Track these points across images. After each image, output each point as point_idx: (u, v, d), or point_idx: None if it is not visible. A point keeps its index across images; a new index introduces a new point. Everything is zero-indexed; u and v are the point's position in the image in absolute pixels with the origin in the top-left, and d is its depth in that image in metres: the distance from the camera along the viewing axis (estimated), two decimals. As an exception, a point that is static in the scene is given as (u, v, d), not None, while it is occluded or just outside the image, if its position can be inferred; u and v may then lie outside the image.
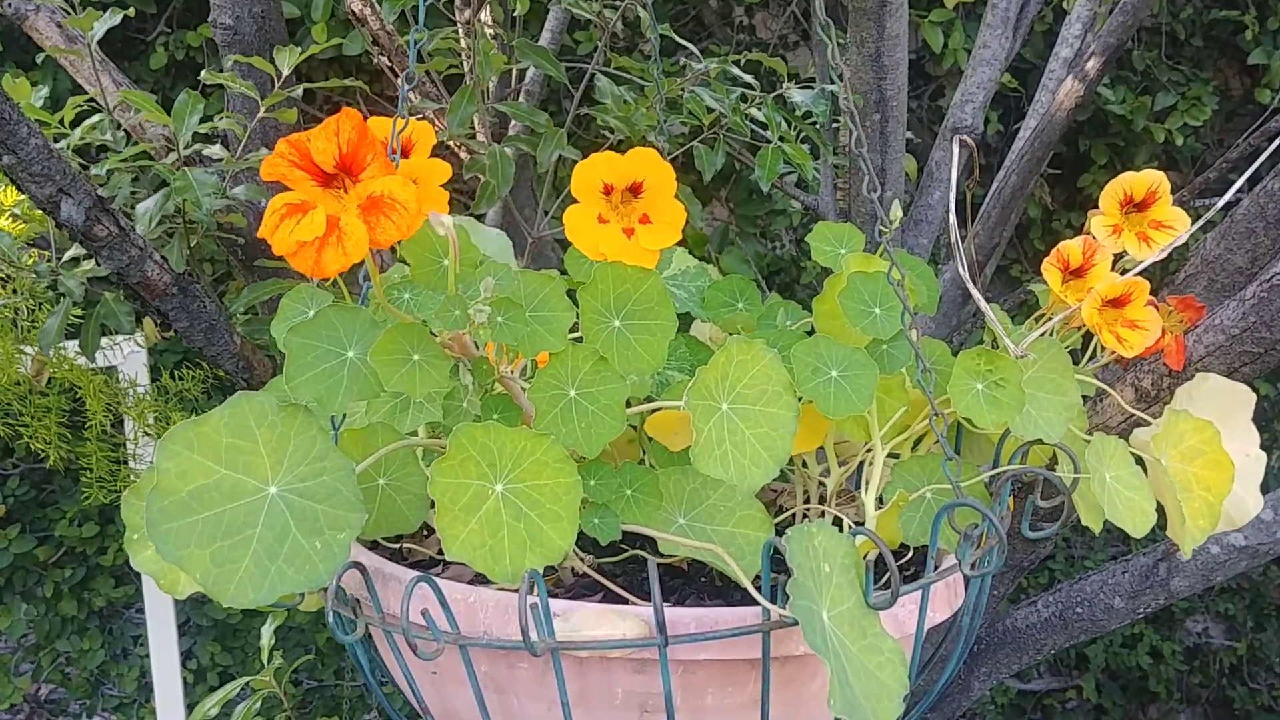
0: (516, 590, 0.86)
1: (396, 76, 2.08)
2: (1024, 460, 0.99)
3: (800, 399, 0.90)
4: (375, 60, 2.14)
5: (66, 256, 1.63)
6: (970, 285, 0.96)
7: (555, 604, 0.81)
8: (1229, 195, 1.04)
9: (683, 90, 1.54)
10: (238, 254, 1.88)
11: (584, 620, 0.81)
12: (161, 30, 3.00)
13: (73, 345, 1.77)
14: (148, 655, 3.34)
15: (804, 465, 1.10)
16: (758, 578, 0.82)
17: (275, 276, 1.68)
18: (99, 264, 1.41)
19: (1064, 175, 3.92)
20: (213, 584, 0.79)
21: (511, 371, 0.87)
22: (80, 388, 1.78)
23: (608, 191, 0.96)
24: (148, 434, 1.86)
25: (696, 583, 0.99)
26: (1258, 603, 4.50)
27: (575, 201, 0.96)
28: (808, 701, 0.87)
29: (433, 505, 1.04)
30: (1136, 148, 3.92)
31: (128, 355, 1.92)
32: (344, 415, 0.93)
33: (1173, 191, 1.12)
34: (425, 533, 1.06)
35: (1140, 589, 1.79)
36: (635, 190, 0.97)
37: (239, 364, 1.62)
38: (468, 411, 0.87)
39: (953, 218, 0.98)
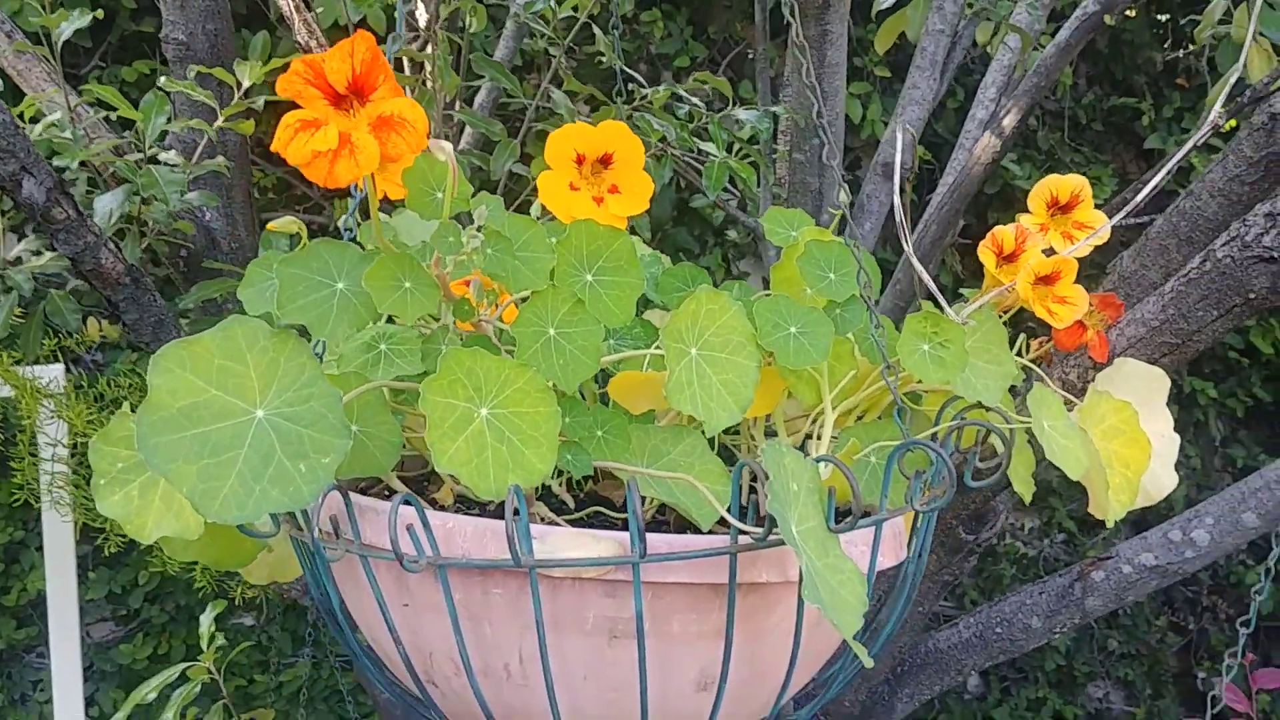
0: (492, 517, 0.90)
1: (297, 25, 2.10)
2: (959, 430, 1.06)
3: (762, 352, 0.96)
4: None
5: (13, 253, 1.63)
6: (913, 259, 1.03)
7: (533, 529, 0.85)
8: (1131, 207, 1.12)
9: (630, 115, 1.61)
10: (179, 265, 1.90)
11: (560, 543, 0.85)
12: (96, 64, 3.02)
13: None
14: (48, 701, 3.25)
15: (751, 439, 1.15)
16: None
17: (223, 278, 1.71)
18: (54, 248, 1.43)
19: (972, 246, 4.07)
20: (199, 499, 0.81)
21: (491, 316, 0.91)
22: (16, 388, 1.77)
23: (580, 161, 1.02)
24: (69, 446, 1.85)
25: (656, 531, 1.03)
26: (1155, 669, 4.62)
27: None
28: (769, 633, 0.91)
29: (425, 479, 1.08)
30: (1013, 204, 4.10)
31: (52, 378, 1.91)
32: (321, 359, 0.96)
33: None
34: (387, 492, 1.09)
35: (1057, 609, 1.86)
36: (605, 161, 1.03)
37: (185, 363, 1.63)
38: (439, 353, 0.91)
39: (896, 199, 1.05)
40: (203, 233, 1.88)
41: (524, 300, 0.89)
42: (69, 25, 1.59)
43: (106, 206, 1.50)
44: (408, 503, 0.83)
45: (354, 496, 0.92)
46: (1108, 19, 2.16)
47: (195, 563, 3.09)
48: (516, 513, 0.81)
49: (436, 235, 0.82)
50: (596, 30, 1.51)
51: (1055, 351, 1.28)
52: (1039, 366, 1.36)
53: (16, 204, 1.35)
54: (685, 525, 0.99)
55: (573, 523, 1.00)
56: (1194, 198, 1.35)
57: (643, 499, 1.03)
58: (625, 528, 1.03)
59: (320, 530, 0.85)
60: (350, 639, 1.00)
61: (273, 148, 0.73)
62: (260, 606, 3.43)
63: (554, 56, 1.59)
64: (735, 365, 0.93)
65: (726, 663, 0.88)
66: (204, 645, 1.78)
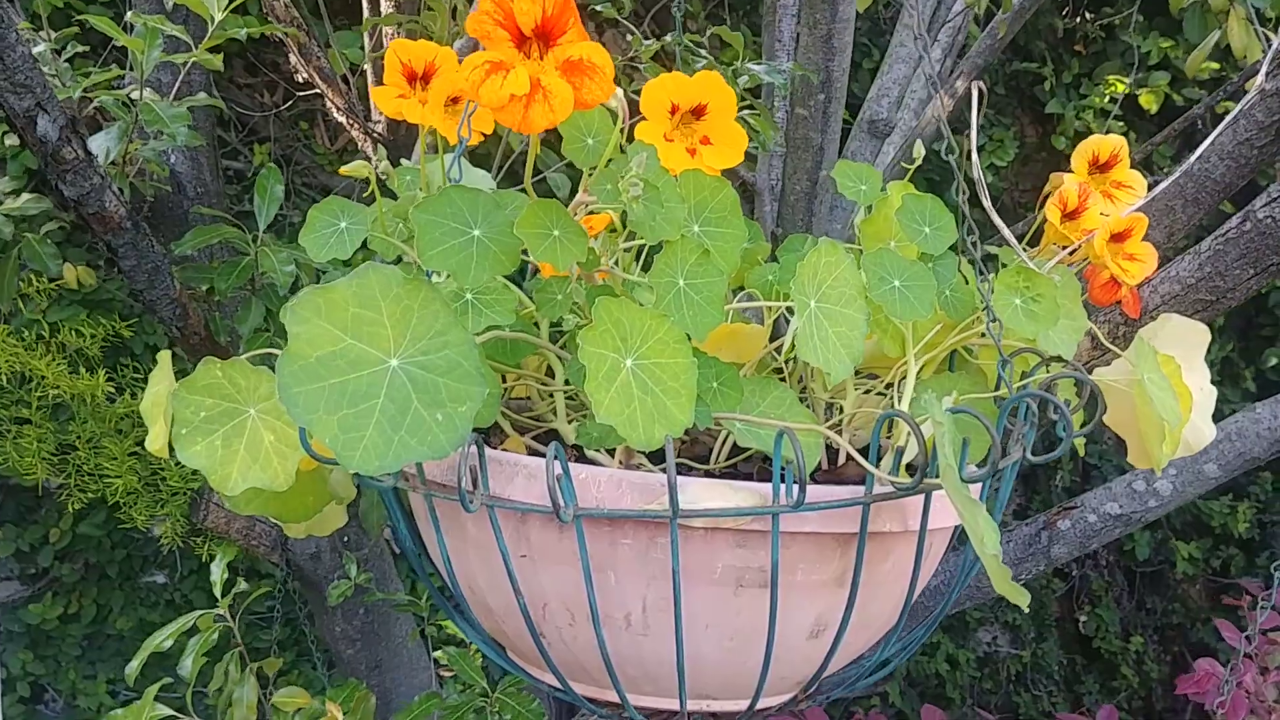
0: (625, 466, 0.90)
1: (290, 49, 2.07)
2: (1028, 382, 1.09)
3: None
4: (270, 33, 2.12)
5: (-11, 194, 1.55)
6: (993, 214, 1.06)
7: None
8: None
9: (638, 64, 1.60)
10: (142, 209, 1.82)
11: (699, 493, 0.85)
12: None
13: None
14: (-43, 662, 3.12)
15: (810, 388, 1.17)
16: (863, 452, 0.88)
17: (215, 223, 1.65)
18: (58, 189, 1.36)
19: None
20: (341, 449, 0.79)
21: (616, 264, 0.90)
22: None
23: (673, 111, 1.02)
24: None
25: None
26: (1040, 614, 4.83)
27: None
28: (880, 582, 0.93)
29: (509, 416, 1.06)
30: (948, 183, 4.19)
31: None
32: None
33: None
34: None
35: (1023, 556, 1.93)
36: (698, 112, 1.02)
37: (175, 310, 1.58)
38: (564, 303, 0.90)
39: (975, 156, 1.08)
40: (170, 177, 1.81)
41: (656, 249, 0.89)
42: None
43: (103, 145, 1.43)
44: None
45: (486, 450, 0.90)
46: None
47: (110, 523, 2.98)
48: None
49: (595, 182, 0.81)
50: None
51: (1088, 305, 1.33)
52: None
53: (25, 143, 1.28)
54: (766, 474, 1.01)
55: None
56: (1202, 160, 1.40)
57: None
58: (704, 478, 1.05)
59: (461, 479, 0.83)
60: (433, 589, 0.99)
61: (459, 91, 0.71)
62: (173, 564, 3.34)
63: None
64: (848, 318, 0.94)
65: (849, 609, 0.90)
66: (217, 592, 1.73)
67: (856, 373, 1.18)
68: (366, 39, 2.20)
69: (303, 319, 0.80)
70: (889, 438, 1.03)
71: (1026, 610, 0.84)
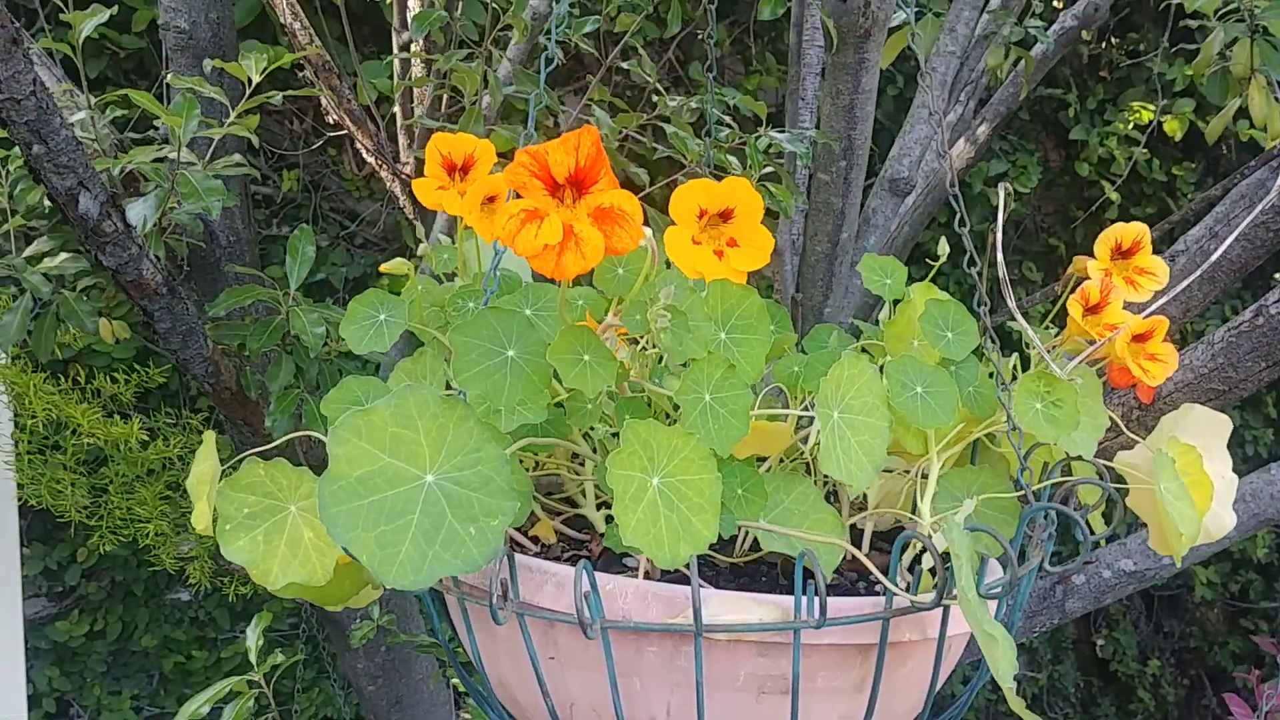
0: (651, 570, 0.92)
1: (322, 91, 2.10)
2: (1051, 478, 1.11)
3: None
4: (301, 75, 2.15)
5: (28, 252, 1.58)
6: (1017, 314, 1.08)
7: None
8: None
9: (652, 124, 1.63)
10: (176, 261, 1.86)
11: (720, 606, 0.88)
12: (41, 26, 2.90)
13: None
14: (-17, 679, 3.17)
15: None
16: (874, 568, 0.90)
17: (241, 283, 1.68)
18: (100, 261, 1.39)
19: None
20: (378, 565, 0.82)
21: (647, 377, 0.93)
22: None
23: (701, 215, 1.04)
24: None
25: (759, 582, 1.07)
26: (1057, 636, 4.84)
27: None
28: (899, 686, 0.96)
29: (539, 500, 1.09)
30: (971, 209, 4.20)
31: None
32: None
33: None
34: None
35: (1038, 610, 1.95)
36: (726, 216, 1.04)
37: (208, 368, 1.61)
38: (596, 412, 0.93)
39: (999, 255, 1.10)
40: (208, 232, 1.85)
41: (683, 367, 0.91)
42: (90, 22, 1.54)
43: (140, 213, 1.46)
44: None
45: (516, 557, 0.93)
46: (1084, 34, 2.24)
47: (135, 543, 3.03)
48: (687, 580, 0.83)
49: (626, 314, 0.83)
50: (641, 51, 1.52)
51: (1105, 387, 1.35)
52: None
53: (66, 218, 1.31)
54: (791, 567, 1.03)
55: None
56: (1218, 240, 1.42)
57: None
58: (728, 571, 1.07)
59: (494, 592, 0.86)
60: (470, 682, 1.02)
61: (496, 236, 0.74)
62: (198, 583, 3.38)
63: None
64: (870, 426, 0.97)
65: (870, 715, 0.93)
66: (252, 659, 1.76)
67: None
68: (396, 66, 2.22)
69: (343, 440, 0.82)
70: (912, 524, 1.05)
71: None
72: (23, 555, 3.11)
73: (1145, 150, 4.33)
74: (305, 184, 3.34)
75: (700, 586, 0.87)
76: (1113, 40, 4.49)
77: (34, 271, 1.55)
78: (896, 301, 1.16)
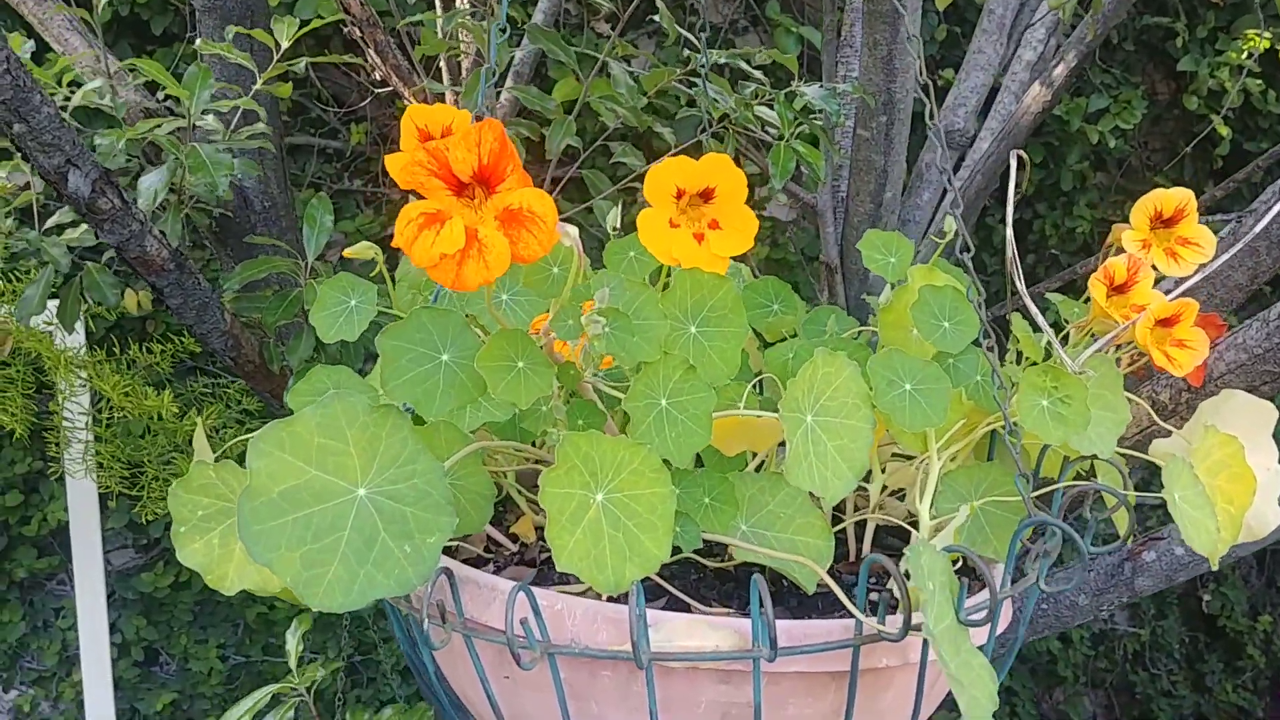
0: (600, 598, 0.86)
1: (367, 46, 2.05)
2: (1066, 475, 1.02)
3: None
4: (346, 30, 2.10)
5: (49, 224, 1.57)
6: (1028, 304, 0.98)
7: (649, 614, 0.81)
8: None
9: (684, 81, 1.54)
10: (212, 227, 1.83)
11: (675, 631, 0.82)
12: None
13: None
14: (70, 628, 3.25)
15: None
16: (844, 590, 0.83)
17: (264, 253, 1.65)
18: (98, 237, 1.37)
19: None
20: (302, 587, 0.77)
21: (596, 376, 0.86)
22: (48, 358, 1.72)
23: (679, 195, 0.96)
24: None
25: (745, 588, 1.00)
26: (1161, 591, 4.66)
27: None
28: (884, 713, 0.89)
29: (501, 504, 1.04)
30: (1069, 148, 4.01)
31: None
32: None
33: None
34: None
35: (1106, 587, 1.84)
36: (706, 196, 0.96)
37: (227, 342, 1.58)
38: (549, 416, 0.87)
39: (1009, 231, 1.00)
40: (235, 192, 1.81)
41: (635, 370, 0.84)
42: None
43: (150, 186, 1.43)
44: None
45: (457, 571, 0.88)
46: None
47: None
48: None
49: (556, 319, 0.76)
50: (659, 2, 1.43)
51: (1150, 368, 1.24)
52: (1129, 379, 1.31)
53: (61, 196, 1.28)
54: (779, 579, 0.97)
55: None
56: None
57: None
58: (715, 575, 1.00)
59: (426, 615, 0.81)
60: (439, 692, 0.97)
61: (394, 244, 0.68)
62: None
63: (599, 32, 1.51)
64: (849, 429, 0.89)
65: (843, 747, 0.86)
66: (292, 665, 1.73)
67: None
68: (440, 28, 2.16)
69: (264, 452, 0.78)
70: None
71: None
72: (106, 509, 3.17)
73: (1260, 81, 4.07)
74: (374, 137, 3.31)
75: (647, 611, 0.81)
76: (1226, -36, 4.21)
77: (55, 244, 1.54)
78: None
